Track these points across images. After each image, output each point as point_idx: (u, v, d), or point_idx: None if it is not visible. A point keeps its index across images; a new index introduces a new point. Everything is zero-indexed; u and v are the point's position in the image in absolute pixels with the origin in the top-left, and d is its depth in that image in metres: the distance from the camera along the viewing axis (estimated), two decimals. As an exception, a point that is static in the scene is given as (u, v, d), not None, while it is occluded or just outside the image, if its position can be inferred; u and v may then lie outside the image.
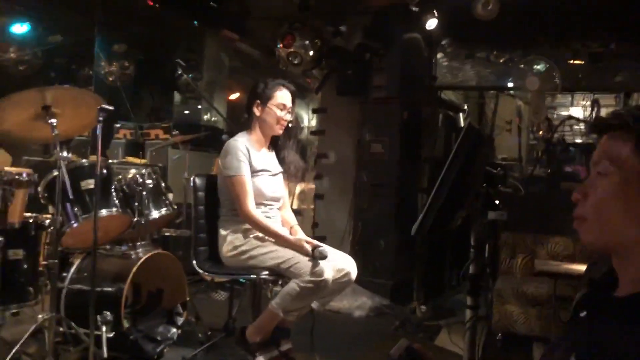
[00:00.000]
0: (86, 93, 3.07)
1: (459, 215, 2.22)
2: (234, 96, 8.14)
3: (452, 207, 2.12)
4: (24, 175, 2.73)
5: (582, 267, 3.32)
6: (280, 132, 2.90)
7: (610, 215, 0.98)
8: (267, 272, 2.69)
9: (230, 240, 2.76)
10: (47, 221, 2.93)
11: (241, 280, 4.01)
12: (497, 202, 2.17)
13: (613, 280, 1.02)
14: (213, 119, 7.63)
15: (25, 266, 2.90)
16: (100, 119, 2.62)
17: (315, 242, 2.71)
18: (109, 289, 2.97)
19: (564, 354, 0.98)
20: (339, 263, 2.76)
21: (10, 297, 2.79)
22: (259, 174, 2.82)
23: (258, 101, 2.85)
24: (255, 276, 2.70)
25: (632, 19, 4.43)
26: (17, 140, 3.06)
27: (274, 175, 2.91)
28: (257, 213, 2.74)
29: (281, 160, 2.96)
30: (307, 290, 2.57)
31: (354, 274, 2.80)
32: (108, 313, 2.87)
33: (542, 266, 3.43)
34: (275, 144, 2.98)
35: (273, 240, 2.76)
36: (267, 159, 2.91)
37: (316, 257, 2.59)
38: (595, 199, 1.00)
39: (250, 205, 2.72)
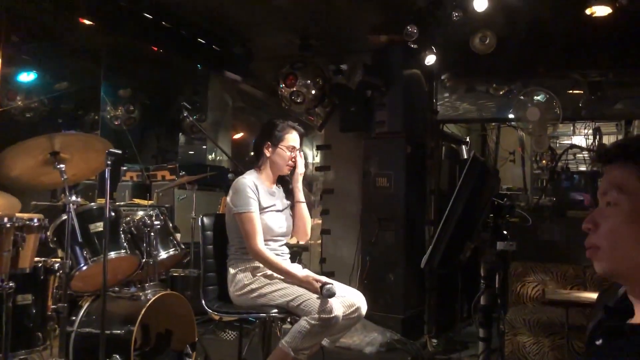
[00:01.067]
0: (94, 138, 3.13)
1: (467, 247, 2.22)
2: (237, 136, 8.24)
3: (461, 239, 2.13)
4: (35, 221, 2.75)
5: (593, 295, 3.30)
6: (288, 172, 2.95)
7: (623, 244, 1.00)
8: (276, 310, 2.67)
9: (239, 279, 2.76)
10: (57, 265, 2.94)
11: (250, 319, 3.99)
12: (505, 232, 2.18)
13: (628, 306, 1.03)
14: (218, 158, 7.70)
15: (34, 311, 2.90)
16: (109, 162, 2.66)
17: (324, 279, 2.70)
18: (118, 331, 2.94)
19: None
20: (348, 298, 2.75)
21: (19, 343, 2.77)
22: (267, 210, 2.84)
23: (269, 142, 2.90)
24: (264, 314, 2.68)
25: (629, 48, 4.51)
26: (26, 186, 3.09)
27: (282, 210, 2.93)
28: (266, 250, 2.75)
29: (289, 192, 2.99)
30: (317, 327, 2.55)
31: (364, 309, 2.78)
32: (117, 356, 2.86)
33: (552, 295, 3.41)
34: (282, 178, 3.01)
35: (282, 277, 2.75)
36: (275, 195, 2.94)
37: (324, 294, 2.58)
38: (606, 228, 1.02)
39: (259, 242, 2.73)
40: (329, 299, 2.57)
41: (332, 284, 2.62)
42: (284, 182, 3.02)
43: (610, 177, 1.04)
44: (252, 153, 3.08)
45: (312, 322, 2.54)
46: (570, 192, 5.27)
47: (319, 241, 5.51)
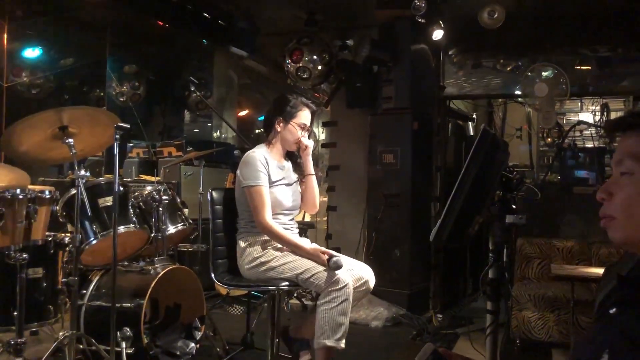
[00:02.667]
0: (102, 112, 3.13)
1: (476, 221, 2.22)
2: (243, 113, 8.21)
3: (470, 212, 2.13)
4: (47, 193, 2.77)
5: (598, 271, 3.31)
6: (296, 149, 2.95)
7: (638, 213, 0.99)
8: (286, 283, 2.69)
9: (249, 252, 2.77)
10: (67, 239, 2.97)
11: (258, 294, 4.02)
12: (514, 206, 2.17)
13: None
14: (223, 135, 7.70)
15: (45, 285, 2.95)
16: (117, 136, 2.66)
17: (332, 252, 2.71)
18: (128, 304, 2.99)
19: (596, 351, 0.98)
20: (357, 272, 2.76)
21: (30, 316, 2.82)
22: (277, 184, 2.84)
23: (280, 118, 2.89)
24: (274, 287, 2.70)
25: (639, 23, 4.45)
26: (35, 161, 3.10)
27: (291, 184, 2.93)
28: (274, 223, 2.76)
29: (297, 165, 2.99)
30: (335, 302, 2.55)
31: (372, 282, 2.80)
32: (128, 329, 2.90)
33: (558, 270, 3.42)
34: (290, 152, 3.01)
35: (290, 250, 2.77)
36: (285, 169, 2.94)
37: (331, 267, 2.59)
38: (622, 197, 1.01)
39: (267, 215, 2.74)
40: (337, 272, 2.59)
41: (339, 257, 2.63)
42: (292, 156, 3.02)
43: (625, 146, 1.03)
44: (257, 130, 3.07)
45: (328, 301, 2.54)
46: (577, 168, 5.25)
47: (325, 218, 5.54)
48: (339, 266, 2.59)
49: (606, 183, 1.06)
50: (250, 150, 2.88)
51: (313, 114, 2.97)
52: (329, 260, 2.61)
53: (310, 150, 2.96)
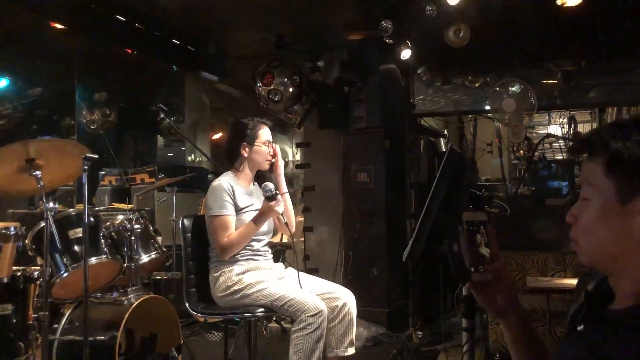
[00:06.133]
0: (70, 143, 3.08)
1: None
2: (216, 136, 8.20)
3: (441, 230, 2.14)
4: (12, 229, 2.71)
5: (573, 281, 3.35)
6: (268, 166, 2.96)
7: (596, 238, 1.01)
8: (262, 310, 2.67)
9: (223, 281, 2.75)
10: (36, 273, 2.90)
11: (235, 319, 3.98)
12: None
13: (607, 291, 1.05)
14: (197, 159, 7.66)
15: (15, 321, 2.86)
16: (85, 167, 2.62)
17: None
18: (102, 337, 2.92)
19: None
20: (334, 296, 2.76)
21: (0, 354, 2.73)
22: (246, 210, 2.83)
23: (244, 143, 2.90)
24: (250, 314, 2.67)
25: (600, 37, 4.58)
26: (2, 194, 3.05)
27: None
28: (227, 239, 2.74)
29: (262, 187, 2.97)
30: (309, 329, 2.53)
31: (351, 303, 2.79)
32: (102, 363, 2.83)
33: (533, 283, 3.45)
34: (260, 175, 3.01)
35: (264, 274, 2.76)
36: (253, 194, 2.94)
37: (266, 196, 2.71)
38: (581, 223, 1.04)
39: (225, 239, 2.73)
40: (310, 298, 2.57)
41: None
42: (260, 180, 2.99)
43: (584, 171, 1.05)
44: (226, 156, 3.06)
45: (302, 329, 2.53)
46: (548, 180, 5.33)
47: (302, 238, 5.52)
48: (269, 189, 2.70)
49: (573, 206, 1.08)
50: (217, 179, 2.88)
51: (270, 129, 3.01)
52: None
53: (282, 170, 2.97)
